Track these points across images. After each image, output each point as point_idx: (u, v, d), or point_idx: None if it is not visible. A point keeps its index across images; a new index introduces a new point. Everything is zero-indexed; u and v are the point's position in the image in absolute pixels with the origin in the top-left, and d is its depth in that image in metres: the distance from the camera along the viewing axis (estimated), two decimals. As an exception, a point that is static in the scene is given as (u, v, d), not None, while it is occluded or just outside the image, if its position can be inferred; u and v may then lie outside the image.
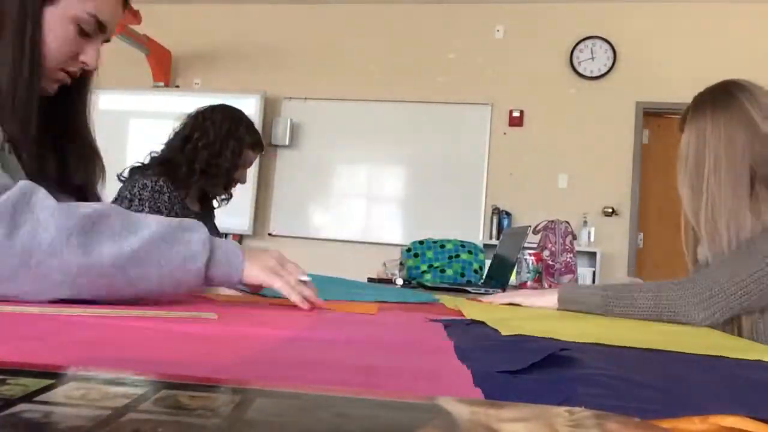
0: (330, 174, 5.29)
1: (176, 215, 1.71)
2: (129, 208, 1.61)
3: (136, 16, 4.45)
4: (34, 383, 0.25)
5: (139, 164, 1.76)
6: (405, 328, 0.70)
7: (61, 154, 0.96)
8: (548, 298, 1.18)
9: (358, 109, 5.24)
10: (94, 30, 0.90)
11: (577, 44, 4.97)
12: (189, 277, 0.72)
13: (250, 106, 5.20)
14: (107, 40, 0.93)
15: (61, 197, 0.85)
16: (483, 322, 0.78)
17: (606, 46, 4.93)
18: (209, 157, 1.76)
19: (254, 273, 0.78)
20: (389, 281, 2.09)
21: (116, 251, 0.66)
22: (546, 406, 0.26)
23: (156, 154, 1.79)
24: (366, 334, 0.62)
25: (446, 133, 5.09)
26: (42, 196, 0.65)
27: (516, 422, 0.24)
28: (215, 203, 1.97)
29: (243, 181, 1.92)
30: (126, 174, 1.73)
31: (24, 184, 0.66)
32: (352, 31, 5.36)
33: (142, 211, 1.62)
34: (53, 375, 0.27)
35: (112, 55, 6.56)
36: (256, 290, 0.87)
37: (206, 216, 1.93)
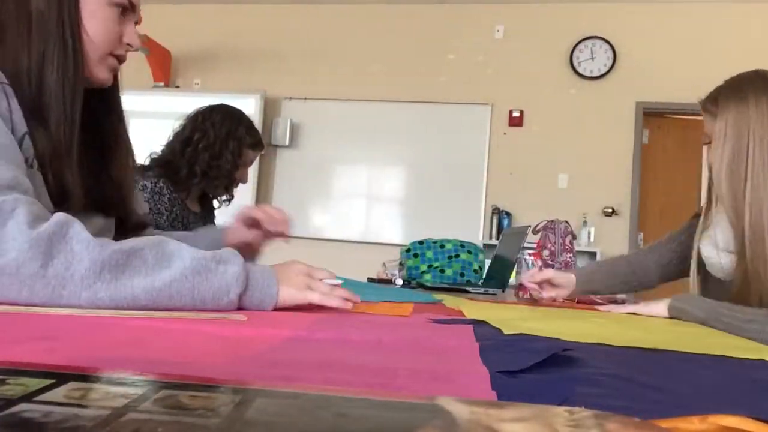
0: (330, 174, 5.29)
1: (176, 217, 1.71)
2: None
3: (136, 16, 4.44)
4: (35, 383, 0.25)
5: (139, 165, 1.76)
6: (410, 329, 0.70)
7: (99, 152, 0.96)
8: (659, 306, 1.18)
9: (358, 109, 5.24)
10: (128, 8, 0.90)
11: (577, 44, 4.97)
12: (221, 308, 0.72)
13: (250, 106, 5.20)
14: (137, 22, 0.93)
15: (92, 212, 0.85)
16: (484, 322, 0.78)
17: (606, 46, 4.93)
18: (210, 158, 1.75)
19: (288, 295, 0.78)
20: (389, 281, 2.09)
21: (148, 285, 0.66)
22: (546, 406, 0.26)
23: (156, 155, 1.79)
24: (373, 335, 0.62)
25: (446, 133, 5.08)
26: (78, 229, 0.66)
27: (516, 422, 0.24)
28: (216, 203, 1.96)
29: (244, 181, 1.92)
30: None
31: (60, 216, 0.67)
32: (352, 31, 5.36)
33: None
34: (53, 375, 0.27)
35: (112, 55, 6.57)
36: None
37: (207, 217, 1.92)
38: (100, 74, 0.90)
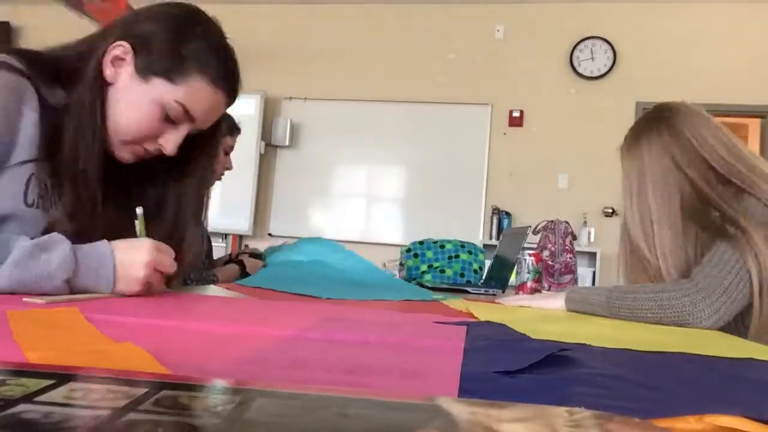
0: (330, 174, 5.29)
1: None
2: None
3: (136, 16, 4.43)
4: (35, 383, 0.25)
5: None
6: (407, 329, 0.70)
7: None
8: (557, 301, 1.20)
9: (358, 109, 5.24)
10: (180, 117, 0.87)
11: (577, 44, 4.97)
12: (47, 292, 0.73)
13: (250, 106, 5.20)
14: (199, 130, 0.92)
15: None
16: (486, 322, 0.78)
17: (606, 46, 4.93)
18: None
19: (127, 288, 0.79)
20: (389, 281, 2.09)
21: None
22: (546, 407, 0.26)
23: None
24: (367, 334, 0.62)
25: (446, 133, 5.08)
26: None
27: (516, 422, 0.24)
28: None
29: (230, 167, 1.88)
30: None
31: None
32: (352, 31, 5.36)
33: None
34: (53, 375, 0.27)
35: (112, 55, 6.51)
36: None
37: None
38: (122, 155, 0.90)
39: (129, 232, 0.87)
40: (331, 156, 5.26)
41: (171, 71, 0.85)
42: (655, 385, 0.43)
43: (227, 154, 1.85)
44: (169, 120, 0.87)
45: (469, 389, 0.38)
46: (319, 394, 0.27)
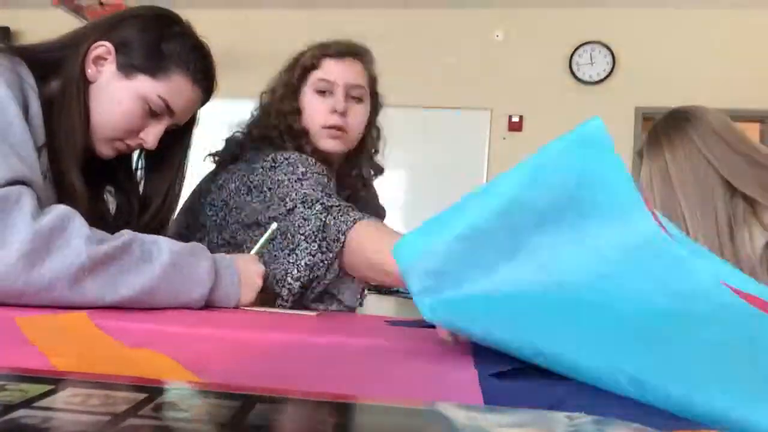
0: (330, 179, 5.28)
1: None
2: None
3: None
4: (34, 389, 0.25)
5: (228, 153, 1.35)
6: (421, 333, 0.70)
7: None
8: None
9: (357, 113, 5.24)
10: (162, 112, 0.90)
11: (577, 49, 4.97)
12: (191, 301, 0.76)
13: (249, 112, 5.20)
14: (177, 125, 0.94)
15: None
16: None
17: (605, 51, 4.94)
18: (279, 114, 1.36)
19: (247, 299, 0.84)
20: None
21: (131, 289, 0.69)
22: (545, 412, 0.26)
23: (240, 137, 1.38)
24: (377, 338, 0.62)
25: (445, 137, 5.09)
26: (78, 224, 0.67)
27: (515, 428, 0.24)
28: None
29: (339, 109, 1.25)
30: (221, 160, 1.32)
31: (62, 209, 0.68)
32: (351, 35, 5.35)
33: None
34: (53, 380, 0.27)
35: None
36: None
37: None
38: (103, 150, 0.91)
39: (106, 228, 0.89)
40: (331, 161, 5.26)
41: (153, 68, 0.88)
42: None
43: (333, 83, 1.30)
44: (150, 114, 0.89)
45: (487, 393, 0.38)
46: (319, 399, 0.27)
